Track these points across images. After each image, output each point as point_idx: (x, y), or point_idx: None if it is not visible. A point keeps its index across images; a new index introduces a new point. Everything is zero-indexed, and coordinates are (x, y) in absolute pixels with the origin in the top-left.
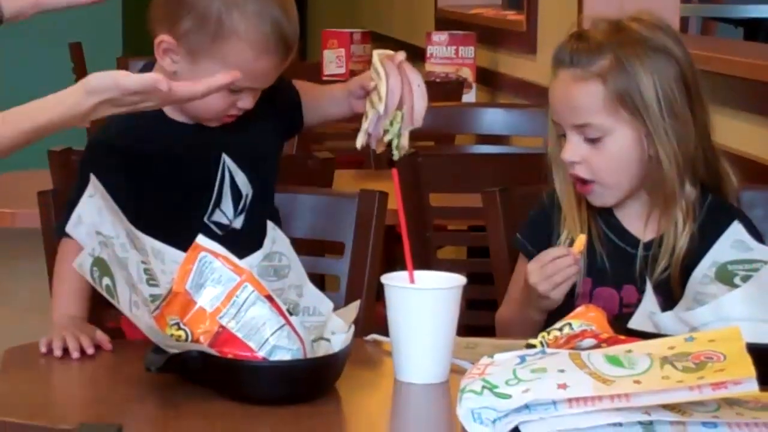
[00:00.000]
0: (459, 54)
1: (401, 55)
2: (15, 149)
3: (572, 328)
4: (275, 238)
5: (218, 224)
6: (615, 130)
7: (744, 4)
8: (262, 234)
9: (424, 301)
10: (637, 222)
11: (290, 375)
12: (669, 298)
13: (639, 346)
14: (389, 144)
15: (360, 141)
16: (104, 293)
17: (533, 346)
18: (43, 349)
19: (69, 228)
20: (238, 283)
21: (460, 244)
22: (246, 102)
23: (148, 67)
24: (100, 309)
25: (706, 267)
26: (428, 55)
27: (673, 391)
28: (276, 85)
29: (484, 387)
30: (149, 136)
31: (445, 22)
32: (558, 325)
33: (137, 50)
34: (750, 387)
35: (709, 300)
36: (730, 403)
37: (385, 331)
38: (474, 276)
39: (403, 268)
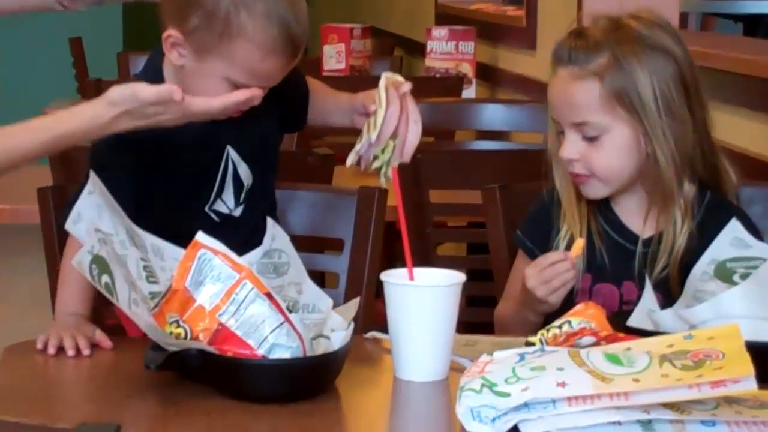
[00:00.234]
0: (459, 49)
1: (407, 87)
2: (36, 158)
3: (571, 326)
4: (275, 235)
5: (217, 212)
6: (612, 129)
7: (744, 0)
8: (260, 223)
9: (423, 299)
10: (636, 218)
11: (289, 373)
12: (668, 297)
13: (638, 344)
14: (378, 169)
15: (350, 160)
16: (103, 291)
17: (532, 344)
18: (39, 346)
19: (68, 225)
20: (238, 281)
21: (460, 240)
22: (252, 100)
23: (152, 59)
24: (100, 306)
25: (705, 264)
26: (428, 50)
27: (672, 390)
28: (288, 78)
29: (483, 385)
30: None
31: (445, 17)
32: (557, 322)
33: (137, 46)
34: (749, 385)
35: (708, 297)
36: (729, 401)
37: (384, 329)
38: (474, 273)
39: (403, 264)
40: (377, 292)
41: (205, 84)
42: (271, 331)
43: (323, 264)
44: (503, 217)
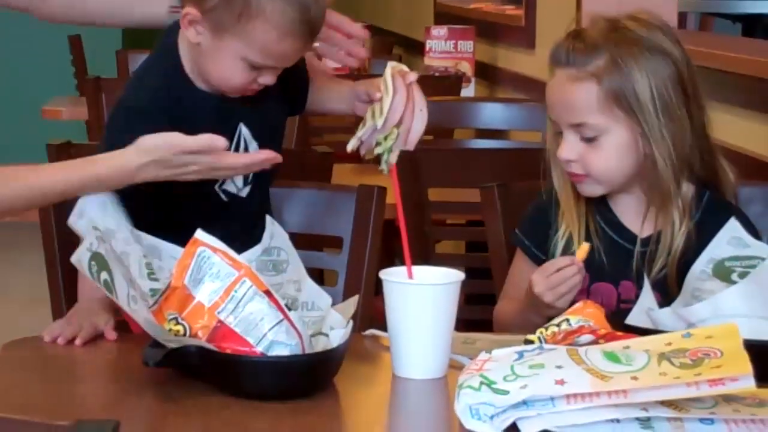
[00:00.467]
0: (458, 48)
1: (413, 76)
2: (64, 197)
3: (570, 324)
4: (274, 233)
5: (226, 192)
6: (610, 130)
7: (742, 0)
8: (264, 205)
9: (422, 297)
10: (635, 218)
11: (288, 370)
12: (666, 296)
13: (636, 342)
14: (378, 156)
15: (351, 145)
16: (102, 288)
17: (531, 342)
18: (47, 339)
19: (71, 221)
20: (237, 278)
21: (459, 238)
22: (267, 78)
23: (168, 35)
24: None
25: (703, 263)
26: (427, 49)
27: (671, 388)
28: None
29: (482, 383)
30: (177, 102)
31: (445, 16)
32: (556, 320)
33: (136, 44)
34: (747, 384)
35: (707, 296)
36: (728, 399)
37: (383, 326)
38: (472, 270)
39: (402, 262)
40: (376, 290)
41: (220, 62)
42: (270, 329)
43: (322, 262)
44: (502, 216)
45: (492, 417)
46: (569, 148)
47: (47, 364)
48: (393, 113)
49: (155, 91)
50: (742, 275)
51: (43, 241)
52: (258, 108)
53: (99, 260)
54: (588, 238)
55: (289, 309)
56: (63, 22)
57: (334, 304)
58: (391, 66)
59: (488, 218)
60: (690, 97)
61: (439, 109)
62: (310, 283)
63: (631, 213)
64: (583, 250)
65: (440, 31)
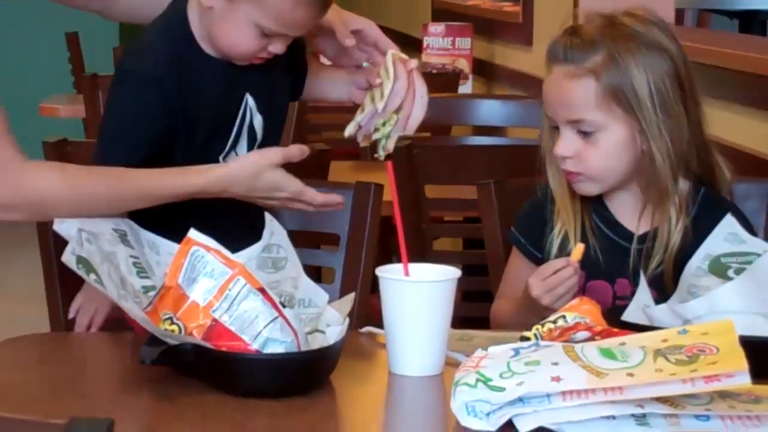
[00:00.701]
0: (455, 45)
1: (414, 63)
2: (167, 201)
3: (566, 321)
4: (273, 230)
5: None
6: (608, 126)
7: None
8: None
9: (418, 294)
10: (631, 215)
11: (284, 367)
12: (663, 293)
13: (632, 338)
14: (375, 142)
15: (349, 130)
16: (94, 284)
17: (527, 339)
18: (72, 315)
19: (56, 226)
20: (231, 277)
21: (456, 235)
22: (277, 47)
23: (176, 1)
24: None
25: (699, 260)
26: (425, 46)
27: (666, 384)
28: (299, 43)
29: (478, 380)
30: (187, 68)
31: (442, 13)
32: (552, 317)
33: None
34: (742, 380)
35: (703, 293)
36: (723, 395)
37: (380, 324)
38: (469, 268)
39: (399, 259)
40: (373, 287)
41: (232, 27)
42: (265, 326)
43: (319, 259)
44: (498, 213)
45: (488, 414)
46: (566, 145)
47: (41, 362)
48: (394, 98)
49: (165, 56)
50: (738, 271)
51: (39, 239)
52: (264, 81)
53: (84, 263)
54: (584, 236)
55: (285, 306)
56: (130, 22)
57: (330, 301)
58: (392, 53)
59: (485, 215)
60: (687, 93)
61: (436, 106)
62: (306, 281)
63: (628, 210)
64: (578, 250)
65: (438, 28)
